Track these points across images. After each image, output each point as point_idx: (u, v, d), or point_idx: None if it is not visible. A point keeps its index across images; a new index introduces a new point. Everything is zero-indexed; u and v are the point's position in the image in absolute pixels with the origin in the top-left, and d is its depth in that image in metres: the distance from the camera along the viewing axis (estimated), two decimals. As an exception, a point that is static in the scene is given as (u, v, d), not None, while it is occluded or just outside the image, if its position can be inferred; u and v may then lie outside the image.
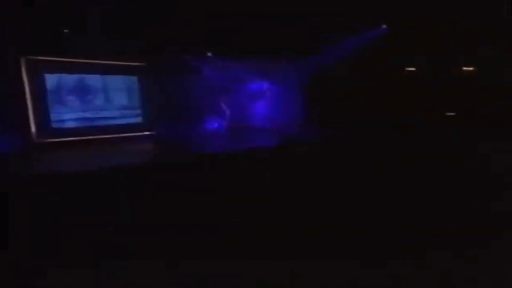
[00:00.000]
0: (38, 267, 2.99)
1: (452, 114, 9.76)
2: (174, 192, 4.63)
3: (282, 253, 3.14)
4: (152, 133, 9.40)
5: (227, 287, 2.72)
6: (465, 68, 9.60)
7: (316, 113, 10.03)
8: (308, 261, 3.01)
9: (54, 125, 8.29)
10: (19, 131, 7.69)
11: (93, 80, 8.75)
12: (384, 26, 9.01)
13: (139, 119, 9.41)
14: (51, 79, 8.25)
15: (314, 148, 7.54)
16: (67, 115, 8.43)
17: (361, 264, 2.96)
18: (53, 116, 8.28)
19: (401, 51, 9.34)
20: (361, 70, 9.61)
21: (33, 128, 8.02)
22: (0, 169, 5.61)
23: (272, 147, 7.69)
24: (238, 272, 2.86)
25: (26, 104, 7.91)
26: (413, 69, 10.09)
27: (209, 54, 9.62)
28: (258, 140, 8.95)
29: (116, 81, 9.05)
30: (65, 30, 7.70)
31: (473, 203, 4.40)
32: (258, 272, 2.84)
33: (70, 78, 8.48)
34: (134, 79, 9.30)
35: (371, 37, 9.22)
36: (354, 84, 9.72)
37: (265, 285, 2.70)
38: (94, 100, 8.79)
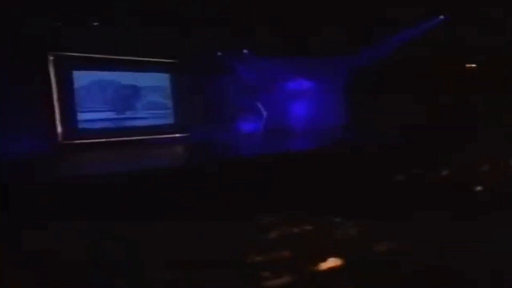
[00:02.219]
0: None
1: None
2: (204, 200, 4.50)
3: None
4: (185, 135, 8.86)
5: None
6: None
7: (362, 114, 9.36)
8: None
9: (81, 125, 7.83)
10: (45, 131, 7.31)
11: (123, 78, 8.31)
12: (441, 17, 8.11)
13: (170, 120, 8.88)
14: (79, 77, 7.83)
15: (359, 153, 7.15)
16: (95, 115, 7.97)
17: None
18: (80, 116, 7.83)
19: (461, 45, 8.39)
20: (413, 67, 8.81)
21: (59, 129, 7.58)
22: (25, 172, 5.35)
23: (313, 151, 7.33)
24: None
25: (52, 103, 7.50)
26: (473, 65, 9.13)
27: (245, 51, 9.08)
28: (297, 144, 8.59)
29: (147, 79, 8.57)
30: (95, 23, 7.25)
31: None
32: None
33: (99, 76, 8.07)
34: (166, 77, 8.81)
35: (427, 30, 8.38)
36: (405, 83, 8.95)
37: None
38: (124, 99, 8.31)
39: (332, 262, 2.89)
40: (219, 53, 8.87)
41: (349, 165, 6.54)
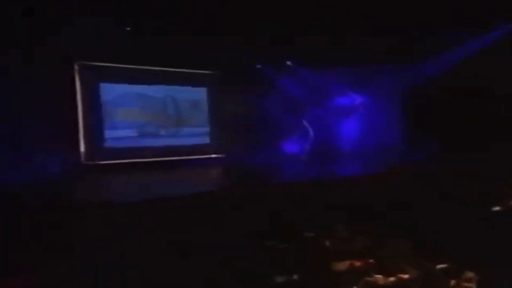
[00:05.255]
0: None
1: None
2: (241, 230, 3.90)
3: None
4: (221, 156, 8.23)
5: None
6: None
7: (423, 134, 8.30)
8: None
9: (108, 144, 7.31)
10: (67, 150, 6.60)
11: (155, 91, 7.78)
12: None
13: (206, 139, 8.30)
14: (107, 89, 7.36)
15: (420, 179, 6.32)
16: (123, 132, 7.47)
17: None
18: (107, 134, 7.31)
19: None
20: (482, 81, 7.73)
21: (82, 148, 7.00)
22: (43, 196, 4.88)
23: (367, 176, 6.56)
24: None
25: (77, 119, 6.96)
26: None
27: (289, 63, 8.41)
28: (349, 168, 7.94)
29: (182, 93, 8.08)
30: (127, 28, 6.56)
31: None
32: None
33: (128, 89, 7.57)
34: (202, 90, 8.29)
35: (498, 37, 7.45)
36: (474, 97, 7.88)
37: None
38: (155, 115, 7.81)
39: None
40: (260, 65, 8.31)
41: (426, 193, 5.73)
